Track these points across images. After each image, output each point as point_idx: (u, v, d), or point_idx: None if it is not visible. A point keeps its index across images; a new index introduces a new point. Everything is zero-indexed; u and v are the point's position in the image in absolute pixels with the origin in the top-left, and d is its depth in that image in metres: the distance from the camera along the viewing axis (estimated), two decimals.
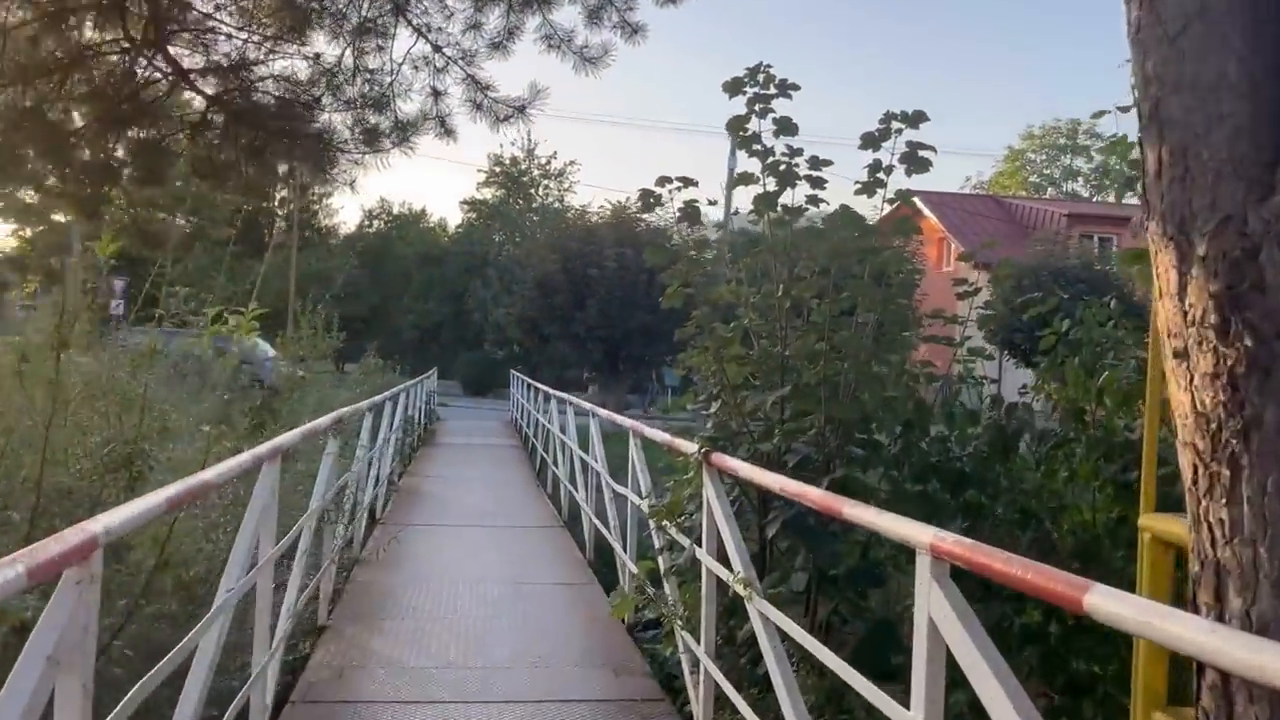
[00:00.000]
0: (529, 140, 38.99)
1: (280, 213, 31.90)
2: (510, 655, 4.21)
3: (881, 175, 3.69)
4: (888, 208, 3.83)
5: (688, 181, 3.93)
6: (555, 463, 9.08)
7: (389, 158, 6.26)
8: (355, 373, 13.60)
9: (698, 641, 3.38)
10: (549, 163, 40.20)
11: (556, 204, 39.20)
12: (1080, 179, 47.83)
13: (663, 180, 3.92)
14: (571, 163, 45.37)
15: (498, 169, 39.65)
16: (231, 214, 19.81)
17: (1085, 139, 45.76)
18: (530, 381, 14.01)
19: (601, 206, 32.41)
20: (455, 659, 4.12)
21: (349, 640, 4.29)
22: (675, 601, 3.82)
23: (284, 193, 30.04)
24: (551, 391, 10.37)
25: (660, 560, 4.05)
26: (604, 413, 6.56)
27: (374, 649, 4.22)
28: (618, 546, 5.34)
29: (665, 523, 3.82)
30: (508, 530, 7.45)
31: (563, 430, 8.48)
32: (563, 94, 31.60)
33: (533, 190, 40.12)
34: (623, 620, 4.58)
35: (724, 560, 3.23)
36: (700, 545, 3.41)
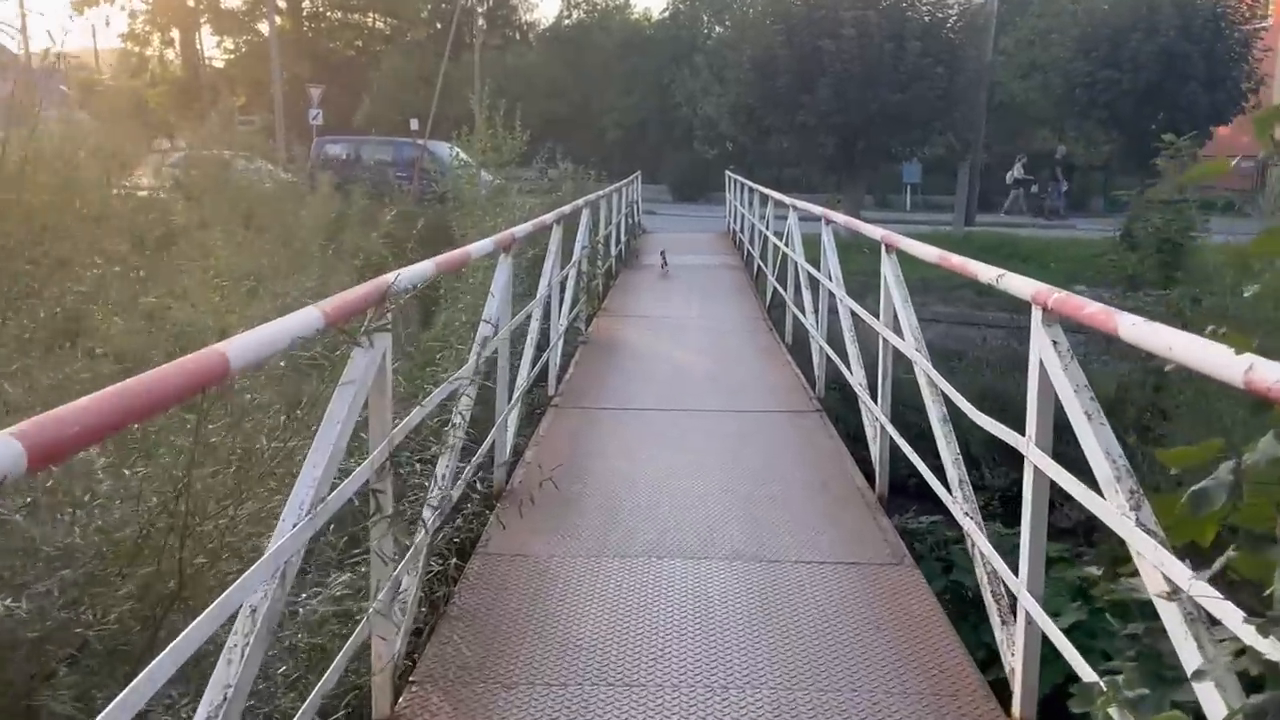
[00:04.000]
0: None
1: (480, 9, 33.72)
2: None
3: None
4: None
5: None
6: (799, 301, 8.38)
7: None
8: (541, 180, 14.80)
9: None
10: None
11: None
12: None
13: None
14: None
15: None
16: (429, 13, 21.47)
17: None
18: (752, 185, 14.33)
19: None
20: None
21: None
22: None
23: None
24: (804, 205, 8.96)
25: None
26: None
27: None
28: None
29: None
30: (736, 416, 6.45)
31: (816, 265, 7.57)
32: None
33: None
34: None
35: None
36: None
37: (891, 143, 22.03)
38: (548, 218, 6.22)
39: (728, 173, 20.99)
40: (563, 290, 7.79)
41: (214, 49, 42.29)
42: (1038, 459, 2.81)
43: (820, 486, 5.06)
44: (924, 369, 3.99)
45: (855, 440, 5.98)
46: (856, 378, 5.62)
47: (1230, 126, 22.64)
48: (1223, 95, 21.84)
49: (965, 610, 8.39)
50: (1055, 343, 2.69)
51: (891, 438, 4.70)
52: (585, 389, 7.16)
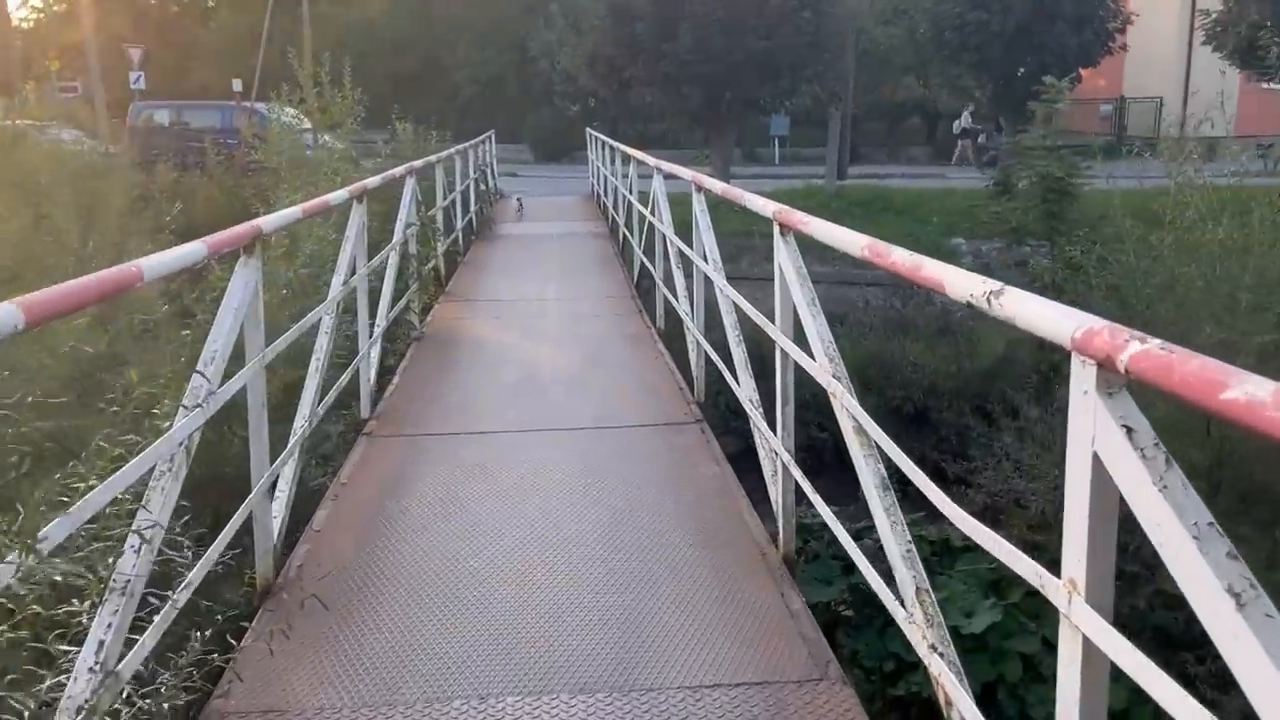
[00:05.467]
0: None
1: None
2: None
3: None
4: None
5: None
6: (671, 280, 7.03)
7: None
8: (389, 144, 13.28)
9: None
10: None
11: None
12: None
13: None
14: None
15: None
16: None
17: None
18: (614, 143, 13.07)
19: None
20: None
21: None
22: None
23: None
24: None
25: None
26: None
27: None
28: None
29: None
30: (600, 435, 5.18)
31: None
32: None
33: None
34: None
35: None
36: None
37: (759, 93, 20.98)
38: (331, 197, 4.75)
39: (588, 130, 19.59)
40: (382, 280, 6.35)
41: (20, 6, 38.20)
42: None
43: (705, 546, 3.83)
44: (848, 407, 2.78)
45: (750, 455, 4.81)
46: (746, 391, 4.39)
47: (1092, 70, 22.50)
48: (1090, 35, 21.57)
49: (872, 615, 7.45)
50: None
51: (797, 481, 3.50)
52: (410, 406, 5.72)
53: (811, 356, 3.12)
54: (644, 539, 3.89)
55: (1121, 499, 1.52)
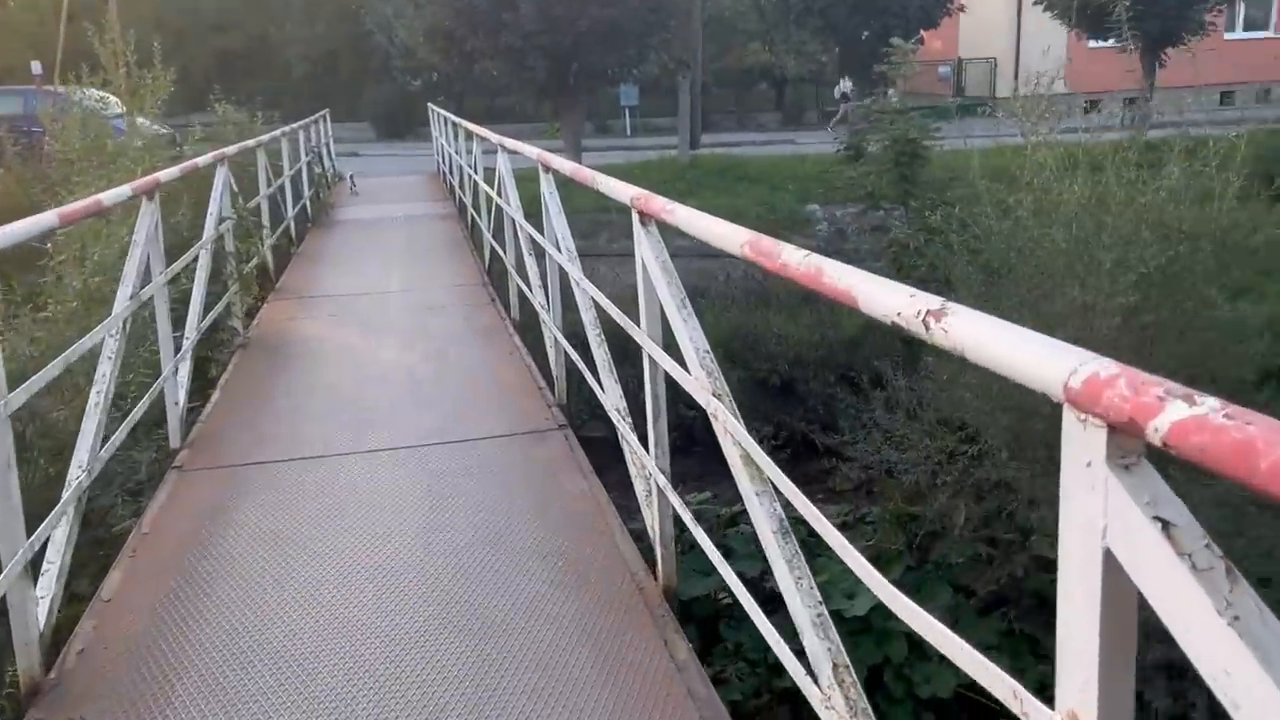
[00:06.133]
0: None
1: None
2: None
3: None
4: None
5: None
6: (524, 268, 6.47)
7: None
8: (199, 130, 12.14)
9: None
10: None
11: None
12: None
13: None
14: None
15: None
16: None
17: None
18: (456, 119, 12.33)
19: None
20: None
21: None
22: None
23: None
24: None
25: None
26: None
27: None
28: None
29: None
30: (451, 450, 4.53)
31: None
32: None
33: None
34: None
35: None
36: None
37: (606, 63, 20.42)
38: (106, 196, 3.94)
39: (430, 106, 18.65)
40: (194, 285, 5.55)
41: None
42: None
43: (573, 581, 3.32)
44: (733, 434, 2.30)
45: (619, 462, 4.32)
46: (612, 398, 3.89)
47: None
48: None
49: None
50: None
51: (674, 509, 3.03)
52: (229, 430, 4.96)
53: (685, 367, 2.64)
54: (502, 575, 3.36)
55: (1141, 598, 1.08)
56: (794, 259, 1.79)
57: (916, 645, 7.16)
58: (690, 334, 2.61)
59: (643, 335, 3.05)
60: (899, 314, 1.44)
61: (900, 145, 12.20)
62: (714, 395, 2.44)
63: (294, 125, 12.27)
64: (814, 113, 29.33)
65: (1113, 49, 21.68)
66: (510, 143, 6.69)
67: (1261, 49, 27.91)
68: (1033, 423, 7.25)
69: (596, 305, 3.96)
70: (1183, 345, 7.14)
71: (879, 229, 12.46)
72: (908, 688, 6.99)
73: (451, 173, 13.59)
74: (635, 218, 3.00)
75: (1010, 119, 9.69)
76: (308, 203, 11.94)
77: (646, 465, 3.22)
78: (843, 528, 8.74)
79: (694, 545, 8.09)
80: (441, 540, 3.64)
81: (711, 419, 2.44)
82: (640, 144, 24.76)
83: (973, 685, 6.08)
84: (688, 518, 2.80)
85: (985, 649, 5.75)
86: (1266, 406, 1.03)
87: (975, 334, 1.26)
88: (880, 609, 7.20)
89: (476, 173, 9.53)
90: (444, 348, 6.46)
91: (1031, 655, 7.34)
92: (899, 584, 6.50)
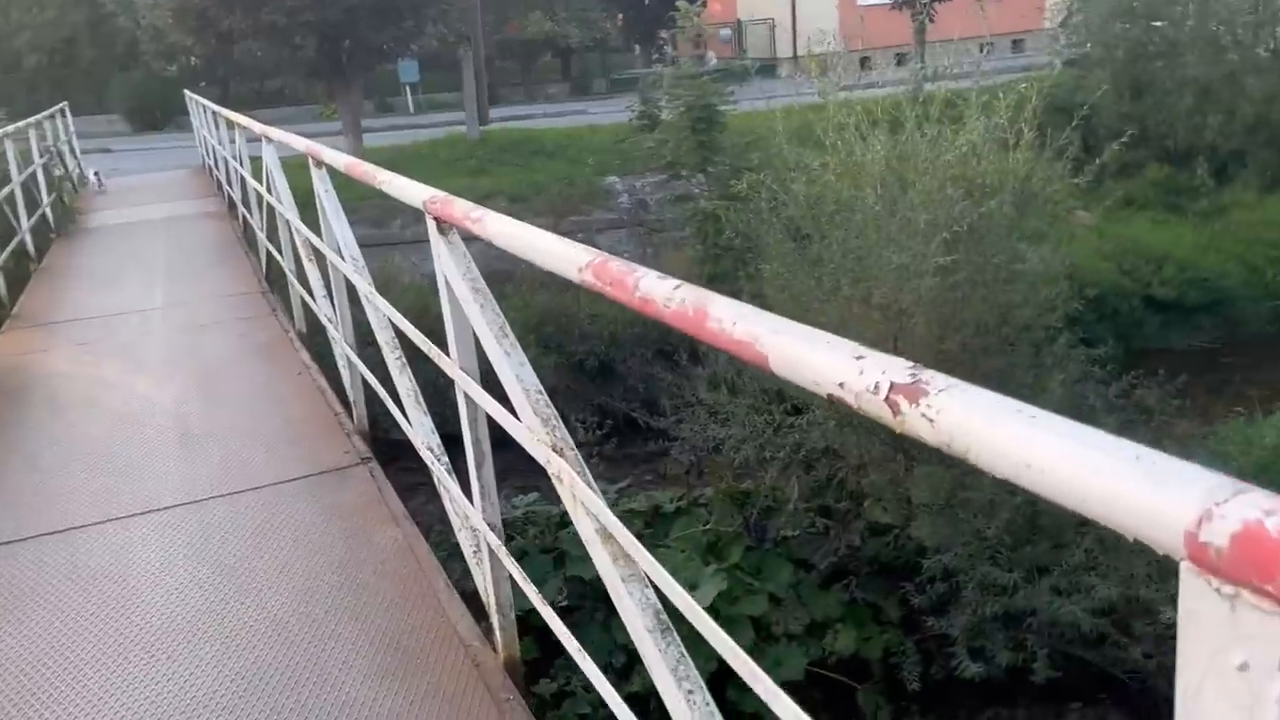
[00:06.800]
0: None
1: None
2: None
3: None
4: None
5: None
6: (304, 274, 5.70)
7: None
8: None
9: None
10: None
11: None
12: None
13: None
14: None
15: None
16: None
17: None
18: (216, 108, 11.08)
19: None
20: None
21: None
22: None
23: None
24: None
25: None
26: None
27: None
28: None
29: None
30: (231, 503, 3.81)
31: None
32: None
33: None
34: None
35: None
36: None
37: (381, 38, 19.23)
38: None
39: (187, 93, 17.01)
40: None
41: None
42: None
43: (393, 667, 2.73)
44: (585, 503, 1.79)
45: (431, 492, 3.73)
46: (422, 434, 3.28)
47: None
48: None
49: (595, 607, 6.71)
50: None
51: (510, 574, 2.49)
52: None
53: (513, 412, 2.10)
54: (302, 671, 2.74)
55: None
56: (659, 291, 1.29)
57: (762, 626, 6.95)
58: (516, 370, 2.07)
59: (454, 368, 2.48)
60: (841, 385, 0.96)
61: (696, 111, 11.94)
62: (554, 450, 1.92)
63: (21, 123, 10.71)
64: (603, 81, 28.95)
65: (882, 5, 22.37)
66: (275, 132, 5.86)
67: (1015, 2, 29.67)
68: None
69: (394, 324, 3.33)
70: (994, 298, 7.17)
71: (683, 198, 12.19)
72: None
73: (218, 166, 12.33)
74: (431, 225, 2.42)
75: (802, 78, 9.59)
76: (48, 210, 10.46)
77: (472, 519, 2.67)
78: (677, 513, 8.44)
79: (525, 554, 7.52)
80: (222, 632, 2.96)
81: (554, 481, 1.92)
82: (426, 122, 23.66)
83: (823, 662, 5.82)
84: (531, 592, 2.27)
85: (830, 622, 5.45)
86: None
87: (993, 432, 0.80)
88: (723, 595, 6.94)
89: (243, 166, 8.52)
90: (218, 373, 5.61)
91: (875, 623, 7.28)
92: (739, 567, 6.17)
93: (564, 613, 6.56)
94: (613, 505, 8.68)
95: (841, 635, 7.04)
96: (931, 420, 0.86)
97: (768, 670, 5.44)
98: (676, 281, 1.28)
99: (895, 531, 7.17)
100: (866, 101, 8.18)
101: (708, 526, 7.80)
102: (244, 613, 3.09)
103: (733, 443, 8.03)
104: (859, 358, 0.96)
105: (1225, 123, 13.30)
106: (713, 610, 6.87)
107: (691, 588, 7.14)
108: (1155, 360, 9.41)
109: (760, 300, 8.64)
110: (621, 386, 11.64)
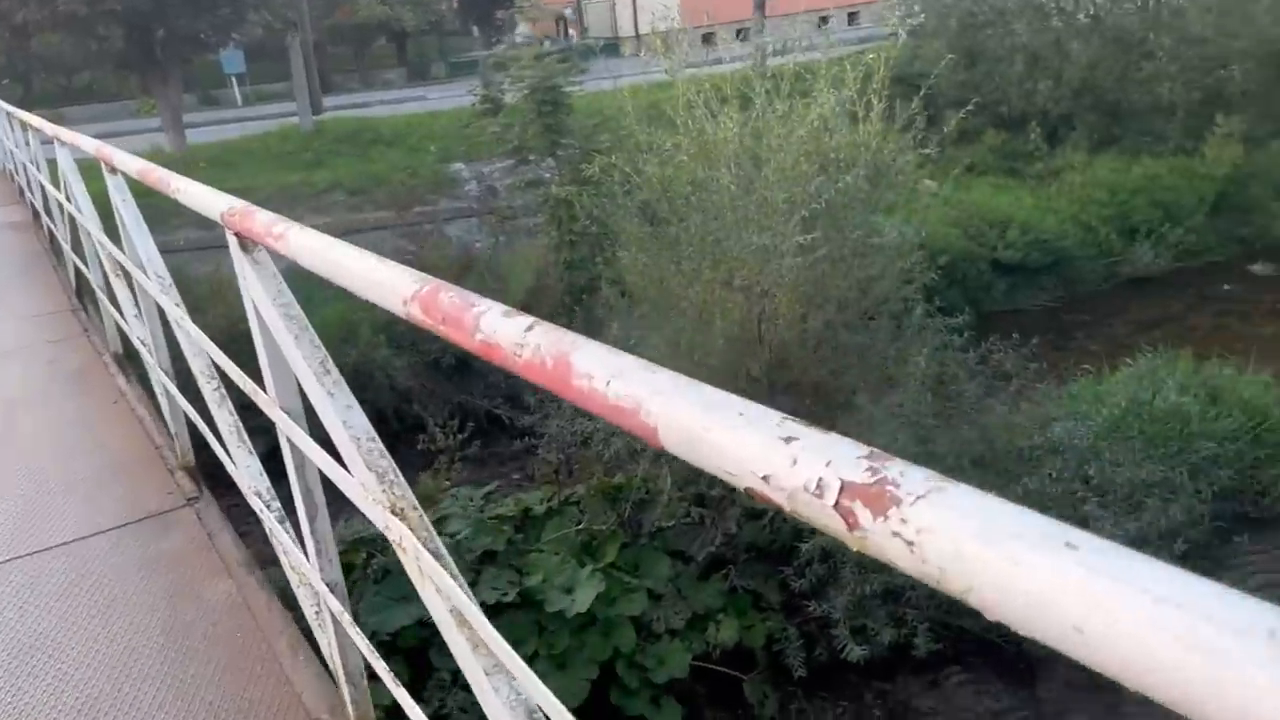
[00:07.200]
0: None
1: None
2: None
3: None
4: None
5: None
6: (113, 293, 4.98)
7: None
8: None
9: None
10: None
11: None
12: None
13: None
14: None
15: None
16: None
17: None
18: (9, 108, 10.05)
19: None
20: None
21: None
22: None
23: None
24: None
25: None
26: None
27: None
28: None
29: None
30: (26, 566, 3.22)
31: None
32: None
33: None
34: None
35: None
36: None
37: (197, 27, 18.03)
38: None
39: None
40: None
41: None
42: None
43: None
44: (444, 590, 1.47)
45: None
46: (249, 477, 2.86)
47: None
48: None
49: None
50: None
51: (359, 647, 2.13)
52: None
53: (343, 465, 1.75)
54: None
55: None
56: (505, 334, 0.98)
57: (643, 626, 6.75)
58: (342, 415, 1.71)
59: (273, 407, 2.09)
60: (765, 479, 0.68)
61: (541, 94, 11.55)
62: (392, 512, 1.58)
63: None
64: (441, 65, 28.08)
65: None
66: (67, 133, 5.20)
67: None
68: (711, 360, 6.97)
69: (210, 353, 2.89)
70: (853, 274, 7.12)
71: (533, 183, 11.82)
72: (642, 675, 6.56)
73: (19, 171, 11.22)
74: (232, 241, 2.02)
75: (648, 55, 9.35)
76: None
77: (310, 580, 2.29)
78: (548, 514, 8.10)
79: (387, 572, 7.02)
80: None
81: (397, 550, 1.59)
82: (255, 114, 22.41)
83: (707, 655, 5.57)
84: (380, 668, 1.92)
85: (712, 614, 5.22)
86: None
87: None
88: (601, 597, 6.69)
89: (40, 171, 7.69)
90: (20, 408, 4.96)
91: (756, 611, 7.18)
92: (616, 566, 5.87)
93: (433, 634, 6.16)
94: (480, 511, 8.19)
95: (724, 627, 6.90)
96: (910, 543, 0.59)
97: (652, 671, 5.19)
98: (528, 320, 0.97)
99: (770, 514, 7.07)
100: (715, 78, 7.99)
101: (581, 526, 7.53)
102: (46, 698, 2.63)
103: (601, 435, 7.78)
104: (788, 439, 0.68)
105: (1054, 88, 13.80)
106: (591, 614, 6.62)
107: (567, 592, 6.86)
108: (1005, 322, 9.65)
109: (620, 287, 8.39)
110: (482, 383, 11.23)
